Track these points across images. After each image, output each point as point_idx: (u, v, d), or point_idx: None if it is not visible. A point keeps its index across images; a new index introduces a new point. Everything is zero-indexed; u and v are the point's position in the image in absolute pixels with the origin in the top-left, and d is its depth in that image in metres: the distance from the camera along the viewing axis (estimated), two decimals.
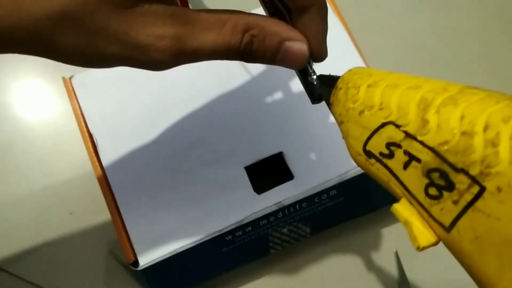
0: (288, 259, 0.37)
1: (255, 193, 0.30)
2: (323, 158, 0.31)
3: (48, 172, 0.39)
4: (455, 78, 0.47)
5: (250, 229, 0.31)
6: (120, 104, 0.33)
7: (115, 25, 0.18)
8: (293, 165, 0.31)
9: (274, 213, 0.30)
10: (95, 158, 0.31)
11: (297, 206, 0.31)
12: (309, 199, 0.31)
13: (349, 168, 0.31)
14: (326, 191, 0.31)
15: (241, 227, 0.30)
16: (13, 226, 0.37)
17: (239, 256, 0.33)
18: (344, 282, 0.37)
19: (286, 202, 0.30)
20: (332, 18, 0.35)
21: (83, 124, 0.32)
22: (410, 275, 0.36)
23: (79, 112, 0.33)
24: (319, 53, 0.22)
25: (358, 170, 0.31)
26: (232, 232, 0.30)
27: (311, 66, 0.23)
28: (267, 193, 0.30)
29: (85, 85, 0.33)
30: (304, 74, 0.23)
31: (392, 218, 0.38)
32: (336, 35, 0.35)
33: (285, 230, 0.33)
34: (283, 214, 0.31)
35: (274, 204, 0.30)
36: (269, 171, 0.31)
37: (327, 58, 0.23)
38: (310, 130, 0.32)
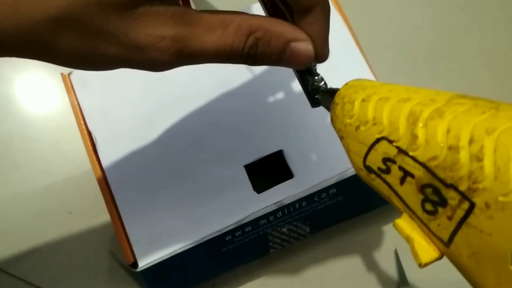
0: (287, 258, 0.37)
1: (254, 192, 0.30)
2: (323, 157, 0.31)
3: (47, 171, 0.39)
4: (457, 75, 0.47)
5: (249, 229, 0.30)
6: (119, 101, 0.33)
7: (115, 27, 0.17)
8: (293, 163, 0.31)
9: (273, 213, 0.30)
10: (94, 157, 0.31)
11: (297, 205, 0.31)
12: (309, 198, 0.31)
13: (348, 166, 0.30)
14: (326, 189, 0.31)
15: (241, 227, 0.30)
16: (12, 226, 0.37)
17: (239, 256, 0.33)
18: (343, 281, 0.37)
19: (286, 201, 0.30)
20: (334, 15, 0.35)
21: (82, 122, 0.32)
22: (409, 273, 0.36)
23: (78, 109, 0.32)
24: (322, 53, 0.22)
25: None
26: (231, 232, 0.30)
27: (314, 66, 0.22)
28: (266, 192, 0.30)
29: (84, 81, 0.33)
30: (306, 76, 0.23)
31: (391, 217, 0.38)
32: (338, 32, 0.34)
33: (284, 230, 0.33)
34: (282, 213, 0.31)
35: (273, 204, 0.30)
36: (269, 170, 0.31)
37: (329, 55, 0.22)
38: (310, 128, 0.32)
